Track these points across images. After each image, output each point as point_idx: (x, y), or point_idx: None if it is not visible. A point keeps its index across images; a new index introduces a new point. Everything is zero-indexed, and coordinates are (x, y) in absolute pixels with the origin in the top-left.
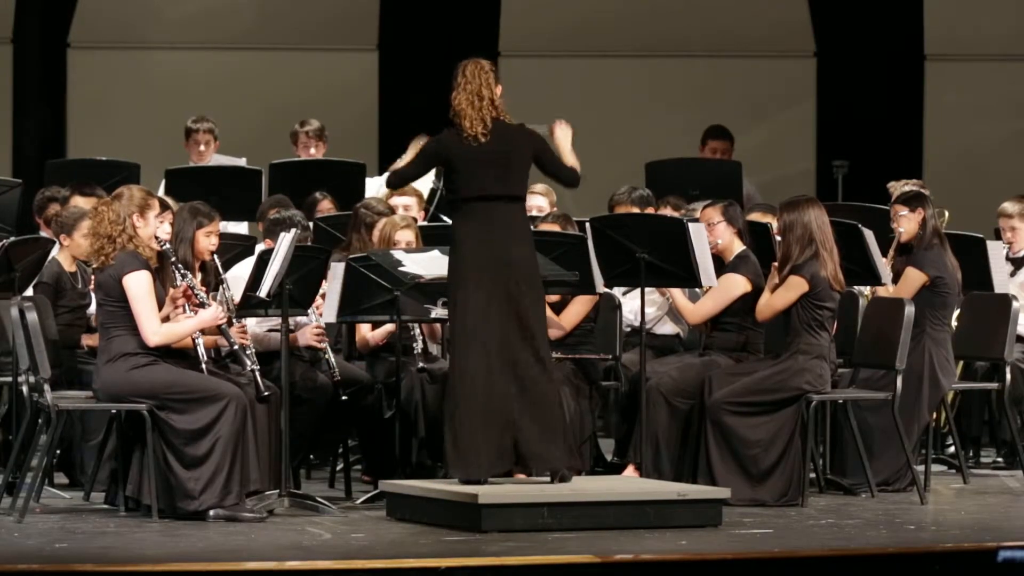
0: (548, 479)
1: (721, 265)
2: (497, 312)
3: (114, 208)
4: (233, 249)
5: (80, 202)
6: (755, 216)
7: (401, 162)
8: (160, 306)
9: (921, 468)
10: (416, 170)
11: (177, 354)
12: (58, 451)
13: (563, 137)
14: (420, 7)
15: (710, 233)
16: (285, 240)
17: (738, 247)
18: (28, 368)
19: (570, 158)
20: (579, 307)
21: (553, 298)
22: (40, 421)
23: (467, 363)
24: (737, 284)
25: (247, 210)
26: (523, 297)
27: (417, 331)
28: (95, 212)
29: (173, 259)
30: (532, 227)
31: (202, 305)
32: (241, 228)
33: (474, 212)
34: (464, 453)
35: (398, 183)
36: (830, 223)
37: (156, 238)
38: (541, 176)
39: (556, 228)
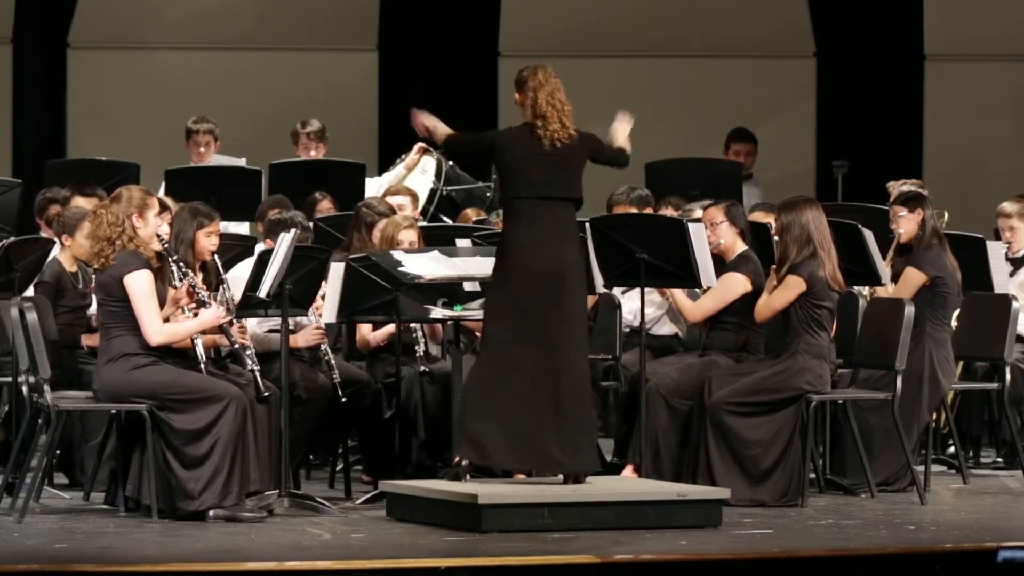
0: (556, 479)
1: (722, 265)
2: (544, 312)
3: (113, 210)
4: (233, 249)
5: (81, 202)
6: (756, 216)
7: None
8: (161, 305)
9: (921, 468)
10: (470, 148)
11: (177, 354)
12: (58, 451)
13: (622, 129)
14: (420, 7)
15: (713, 233)
16: (285, 240)
17: (740, 247)
18: (28, 368)
19: (625, 143)
20: None
21: None
22: (40, 421)
23: (509, 358)
24: (738, 283)
25: (247, 210)
26: (571, 299)
27: (419, 332)
28: (94, 215)
29: (174, 258)
30: None
31: (203, 304)
32: (241, 228)
33: (533, 212)
34: (494, 441)
35: (452, 150)
36: (829, 223)
37: (157, 236)
38: None
39: None
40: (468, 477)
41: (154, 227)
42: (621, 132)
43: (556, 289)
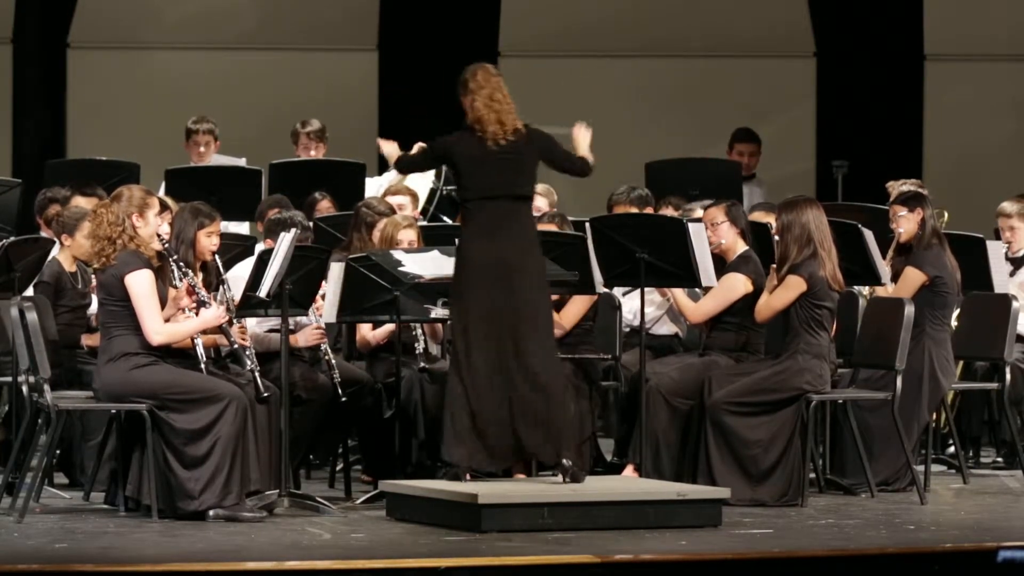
0: (553, 478)
1: (723, 265)
2: (503, 310)
3: (113, 209)
4: (233, 249)
5: (81, 202)
6: (757, 216)
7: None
8: (162, 305)
9: (921, 468)
10: (422, 160)
11: (177, 354)
12: (58, 451)
13: (582, 139)
14: (420, 7)
15: (714, 233)
16: (285, 240)
17: (741, 247)
18: (28, 368)
19: (587, 152)
20: (578, 306)
21: (553, 297)
22: (40, 421)
23: (473, 359)
24: (739, 284)
25: (247, 210)
26: (529, 293)
27: (419, 331)
28: (94, 214)
29: (175, 258)
30: None
31: (204, 304)
32: (241, 228)
33: (481, 212)
34: (465, 444)
35: (404, 169)
36: (829, 223)
37: (158, 236)
38: (540, 176)
39: (554, 228)
40: (468, 477)
41: (154, 227)
42: (583, 142)
43: (506, 285)
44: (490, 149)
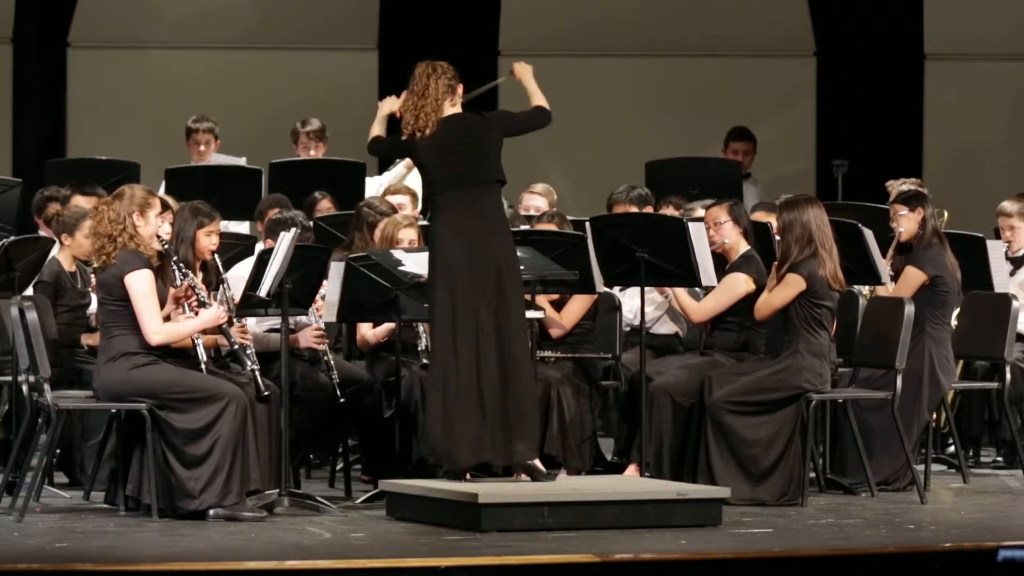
0: (529, 478)
1: (725, 264)
2: (477, 302)
3: (115, 208)
4: (233, 249)
5: (80, 202)
6: (757, 216)
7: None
8: (162, 305)
9: (921, 468)
10: (386, 148)
11: (177, 354)
12: (58, 450)
13: (525, 76)
14: (420, 7)
15: (717, 232)
16: (285, 240)
17: (743, 247)
18: (28, 368)
19: (537, 97)
20: (578, 305)
21: (552, 297)
22: (40, 420)
23: (452, 353)
24: (740, 283)
25: (247, 210)
26: (502, 283)
27: (420, 328)
28: (96, 212)
29: (175, 258)
30: (529, 227)
31: (203, 305)
32: (241, 228)
33: (445, 207)
34: (451, 444)
35: (372, 152)
36: (830, 222)
37: (158, 237)
38: (540, 176)
39: (554, 227)
40: (468, 476)
41: (155, 227)
42: (530, 85)
43: (484, 273)
44: (423, 144)
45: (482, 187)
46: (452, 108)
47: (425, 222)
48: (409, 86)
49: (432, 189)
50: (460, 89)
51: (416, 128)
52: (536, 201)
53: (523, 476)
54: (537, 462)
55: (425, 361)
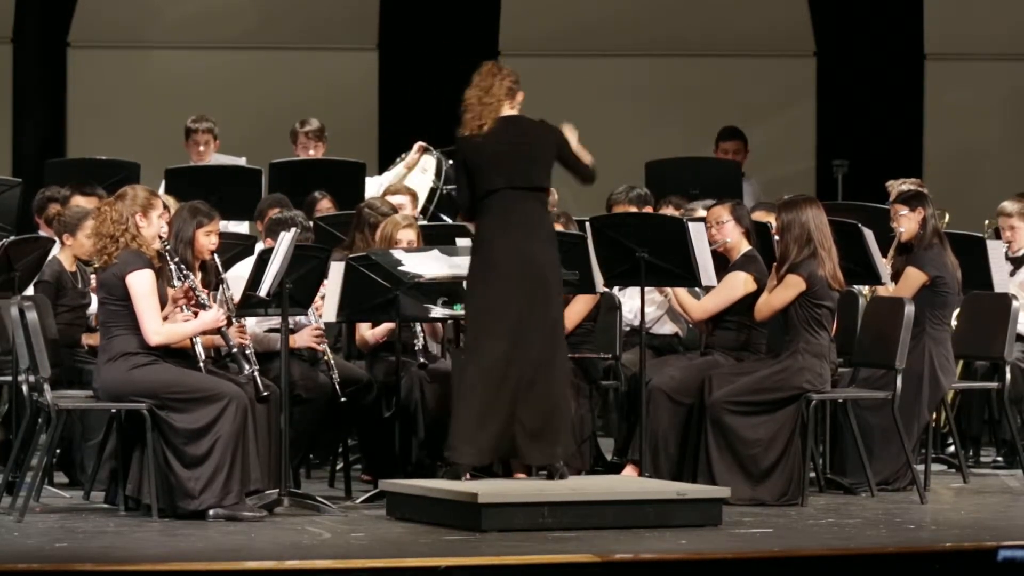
0: (546, 476)
1: (726, 264)
2: (517, 303)
3: (117, 208)
4: (233, 249)
5: (81, 202)
6: (757, 215)
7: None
8: (162, 305)
9: (921, 468)
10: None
11: (177, 354)
12: (58, 450)
13: (571, 138)
14: (420, 7)
15: (719, 232)
16: (285, 239)
17: (745, 247)
18: (28, 367)
19: (585, 155)
20: (580, 306)
21: None
22: (40, 420)
23: (484, 350)
24: (741, 282)
25: (247, 210)
26: (544, 287)
27: (418, 328)
28: (98, 212)
29: (176, 259)
30: None
31: (202, 306)
32: (241, 228)
33: (493, 206)
34: (466, 440)
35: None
36: (830, 222)
37: (159, 238)
38: None
39: (559, 227)
40: (468, 476)
41: (157, 228)
42: (573, 145)
43: (527, 277)
44: (479, 143)
45: (530, 191)
46: (511, 111)
47: (425, 222)
48: (474, 81)
49: (485, 187)
50: (520, 96)
51: (478, 124)
52: None
53: (520, 474)
54: (560, 463)
55: (423, 361)
